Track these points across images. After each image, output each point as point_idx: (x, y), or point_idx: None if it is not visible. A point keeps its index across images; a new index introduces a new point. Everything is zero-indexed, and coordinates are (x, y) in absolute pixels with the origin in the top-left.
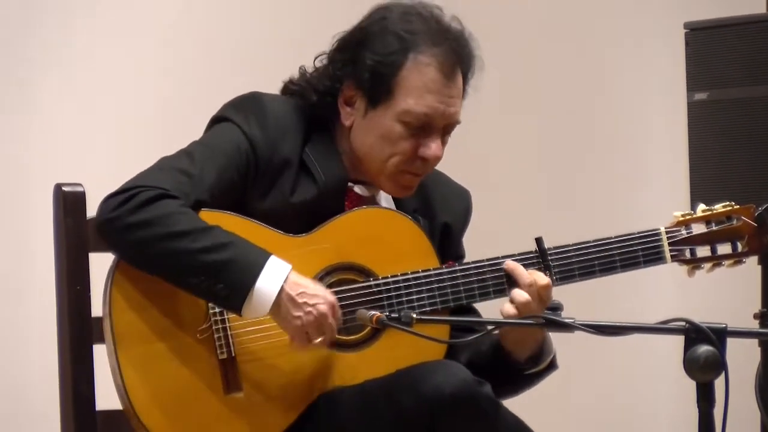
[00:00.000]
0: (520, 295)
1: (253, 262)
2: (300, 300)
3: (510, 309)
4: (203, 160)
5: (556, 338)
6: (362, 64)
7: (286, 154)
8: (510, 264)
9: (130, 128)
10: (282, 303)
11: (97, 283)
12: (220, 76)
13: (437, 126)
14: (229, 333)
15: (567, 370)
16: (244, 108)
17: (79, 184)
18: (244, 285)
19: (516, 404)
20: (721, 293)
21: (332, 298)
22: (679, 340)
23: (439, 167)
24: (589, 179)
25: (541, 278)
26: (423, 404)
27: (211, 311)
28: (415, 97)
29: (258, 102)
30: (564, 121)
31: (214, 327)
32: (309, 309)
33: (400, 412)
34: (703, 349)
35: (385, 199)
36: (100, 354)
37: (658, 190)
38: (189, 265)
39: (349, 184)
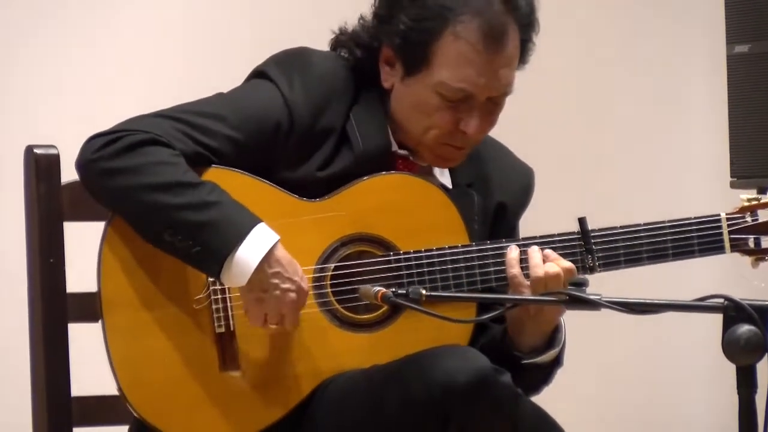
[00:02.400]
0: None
1: (237, 228)
2: (272, 280)
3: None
4: (220, 112)
5: (580, 317)
6: (396, 26)
7: (329, 122)
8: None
9: (110, 86)
10: (257, 277)
11: (73, 256)
12: (208, 36)
13: (479, 100)
14: (229, 305)
15: (591, 353)
16: (289, 66)
17: (53, 146)
18: (222, 251)
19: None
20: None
21: (306, 285)
22: (716, 320)
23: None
24: (624, 137)
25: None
26: (435, 393)
27: (210, 279)
28: (452, 69)
29: (305, 61)
30: (598, 76)
31: (212, 297)
32: (276, 292)
33: (410, 401)
34: (744, 329)
35: (440, 170)
36: (75, 335)
37: (697, 146)
38: (166, 222)
39: (401, 151)
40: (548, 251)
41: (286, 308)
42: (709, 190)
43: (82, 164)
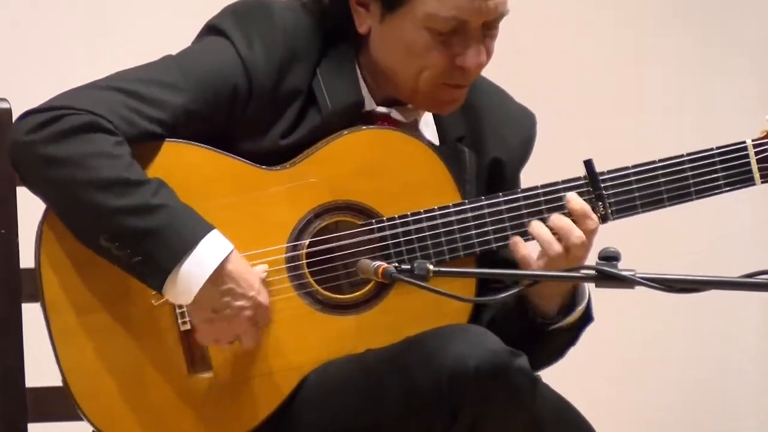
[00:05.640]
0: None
1: (184, 237)
2: (223, 299)
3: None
4: (170, 79)
5: (609, 296)
6: None
7: (293, 84)
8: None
9: (70, 37)
10: (205, 295)
11: (28, 226)
12: None
13: (473, 27)
14: None
15: (622, 337)
16: (248, 21)
17: (5, 100)
18: (165, 264)
19: (570, 384)
20: None
21: (264, 299)
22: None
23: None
24: (664, 79)
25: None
26: (442, 381)
27: None
28: None
29: (265, 14)
30: (639, 14)
31: None
32: (228, 312)
33: (414, 392)
34: None
35: (426, 126)
36: (30, 316)
37: (746, 89)
38: (103, 226)
39: (379, 108)
40: (558, 219)
41: (241, 328)
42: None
43: (14, 145)
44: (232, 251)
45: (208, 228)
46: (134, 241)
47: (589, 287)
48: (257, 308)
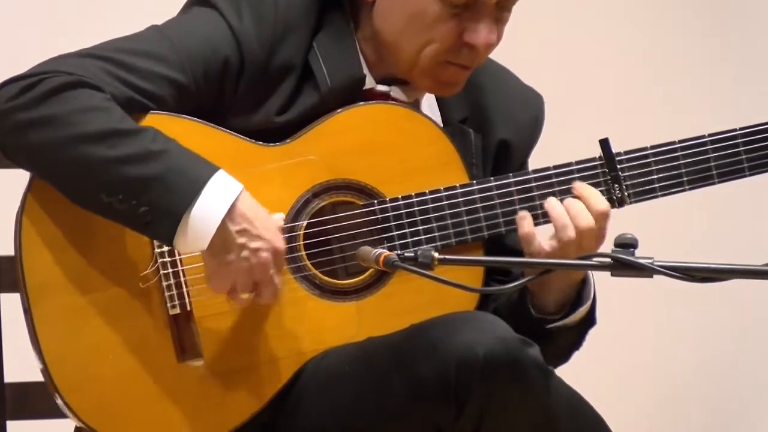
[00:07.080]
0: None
1: (191, 179)
2: (238, 240)
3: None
4: (157, 50)
5: (628, 286)
6: None
7: (287, 57)
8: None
9: (59, 5)
10: (220, 238)
11: (5, 210)
12: None
13: (489, 3)
14: (183, 279)
15: (637, 330)
16: None
17: None
18: (174, 209)
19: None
20: None
21: (280, 243)
22: None
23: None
24: (685, 58)
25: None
26: (447, 371)
27: (158, 250)
28: None
29: None
30: None
31: (162, 271)
32: (245, 254)
33: (418, 382)
34: None
35: (428, 106)
36: (8, 307)
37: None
38: (102, 179)
39: (379, 87)
40: (569, 201)
41: (259, 273)
42: None
43: None
44: (242, 190)
45: (214, 168)
46: (138, 190)
47: (596, 283)
48: (275, 251)
